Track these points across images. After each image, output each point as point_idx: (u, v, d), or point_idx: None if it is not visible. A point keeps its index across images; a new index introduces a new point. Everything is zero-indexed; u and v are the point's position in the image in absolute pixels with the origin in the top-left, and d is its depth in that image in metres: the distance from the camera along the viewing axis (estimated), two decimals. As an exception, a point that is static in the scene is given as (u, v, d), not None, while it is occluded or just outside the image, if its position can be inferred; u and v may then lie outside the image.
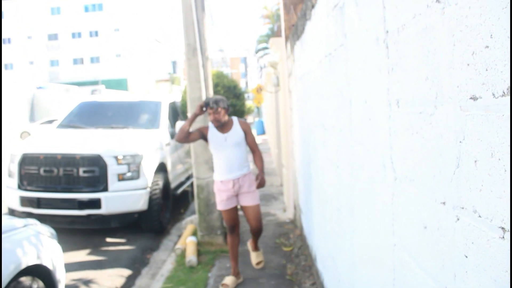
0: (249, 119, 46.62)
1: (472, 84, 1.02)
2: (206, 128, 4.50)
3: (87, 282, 5.00)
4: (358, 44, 2.11)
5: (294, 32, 5.17)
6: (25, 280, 3.15)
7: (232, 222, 4.55)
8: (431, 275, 1.33)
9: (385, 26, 1.66)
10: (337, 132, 2.75)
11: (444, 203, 1.20)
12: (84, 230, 6.75)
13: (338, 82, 2.66)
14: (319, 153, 3.65)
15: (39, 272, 3.34)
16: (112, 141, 6.68)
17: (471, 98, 1.03)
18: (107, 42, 60.41)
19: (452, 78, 1.12)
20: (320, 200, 3.73)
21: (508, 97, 0.88)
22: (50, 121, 29.23)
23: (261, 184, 4.29)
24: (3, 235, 3.10)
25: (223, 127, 4.41)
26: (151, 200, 6.55)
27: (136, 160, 6.41)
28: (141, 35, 60.27)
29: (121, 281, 5.12)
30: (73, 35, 62.28)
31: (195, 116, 4.45)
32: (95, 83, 46.97)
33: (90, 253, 5.98)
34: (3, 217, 3.75)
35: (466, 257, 1.10)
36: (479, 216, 1.02)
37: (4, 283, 2.87)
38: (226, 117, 4.41)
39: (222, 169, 4.39)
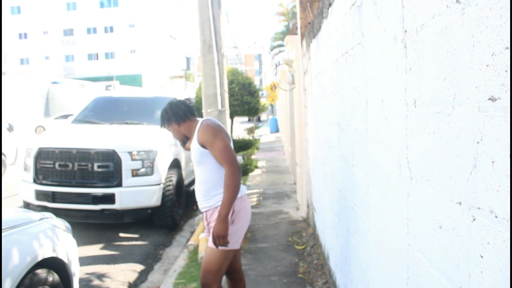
0: (263, 116, 46.68)
1: (491, 85, 1.03)
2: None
3: (100, 276, 5.06)
4: (376, 43, 2.11)
5: (310, 30, 5.17)
6: (41, 272, 3.19)
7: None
8: (445, 275, 1.34)
9: (403, 26, 1.66)
10: (353, 131, 2.75)
11: (460, 203, 1.20)
12: (98, 225, 6.82)
13: (354, 81, 2.66)
14: (334, 151, 3.65)
15: (54, 264, 3.39)
16: (126, 137, 6.74)
17: (489, 99, 1.03)
18: (122, 38, 60.86)
19: (470, 79, 1.12)
20: (334, 199, 3.73)
21: (528, 99, 0.88)
22: (65, 116, 29.50)
23: (214, 237, 2.90)
24: (19, 228, 3.15)
25: (186, 140, 3.39)
26: (164, 196, 6.60)
27: (150, 156, 6.46)
28: (156, 31, 60.59)
29: (134, 276, 5.17)
30: (88, 31, 62.85)
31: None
32: (109, 78, 47.40)
33: (103, 248, 6.05)
34: (19, 210, 3.81)
35: (482, 257, 1.10)
36: (496, 216, 1.03)
37: (20, 275, 2.92)
38: (184, 130, 3.27)
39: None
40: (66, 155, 6.40)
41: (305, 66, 6.18)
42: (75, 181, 6.37)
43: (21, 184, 6.78)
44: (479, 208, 1.11)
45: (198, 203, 3.20)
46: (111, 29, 62.31)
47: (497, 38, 0.99)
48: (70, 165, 6.37)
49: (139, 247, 6.13)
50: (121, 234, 6.66)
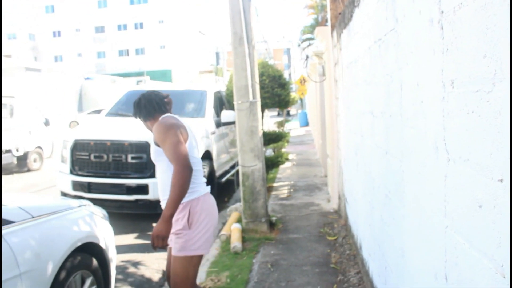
0: (292, 111, 46.57)
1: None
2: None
3: (135, 264, 5.18)
4: (411, 27, 2.10)
5: (341, 20, 5.14)
6: (81, 256, 3.30)
7: (167, 270, 3.22)
8: (486, 255, 1.33)
9: (440, 7, 1.64)
10: (387, 117, 2.73)
11: (501, 180, 1.19)
12: (132, 215, 6.96)
13: (388, 67, 2.65)
14: (367, 141, 3.63)
15: (93, 250, 3.48)
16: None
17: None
18: (151, 34, 61.54)
19: (512, 55, 1.11)
20: (367, 188, 3.72)
21: None
22: (97, 111, 30.04)
23: (153, 237, 2.76)
24: (60, 214, 3.25)
25: None
26: (196, 187, 6.67)
27: (182, 148, 6.54)
28: (185, 27, 61.07)
29: (168, 264, 5.26)
30: (119, 27, 63.82)
31: None
32: (140, 74, 48.03)
33: (138, 237, 6.17)
34: (59, 198, 3.92)
35: (524, 233, 1.10)
36: (539, 191, 1.02)
37: (62, 259, 3.01)
38: (150, 125, 3.14)
39: None
40: (101, 146, 6.54)
41: (335, 57, 6.15)
42: (109, 172, 6.51)
43: (58, 175, 6.97)
44: (520, 185, 1.10)
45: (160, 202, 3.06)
46: (141, 26, 63.08)
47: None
48: (105, 156, 6.51)
49: (172, 237, 6.23)
50: (154, 224, 6.77)
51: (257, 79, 5.96)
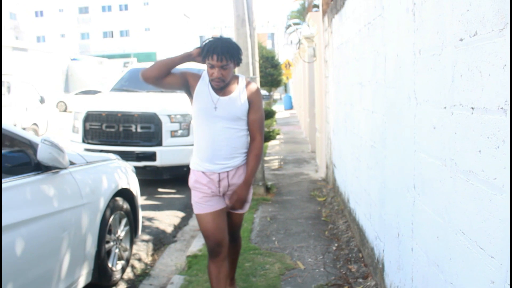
0: (276, 95, 47.27)
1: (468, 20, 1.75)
2: (196, 76, 2.95)
3: (150, 219, 5.88)
4: (393, 14, 2.84)
5: (333, 6, 5.86)
6: (119, 200, 4.00)
7: (215, 237, 2.96)
8: (444, 161, 2.08)
9: (413, 0, 2.39)
10: (373, 84, 3.48)
11: (445, 107, 1.94)
12: (140, 180, 7.62)
13: (375, 45, 3.39)
14: (355, 107, 4.39)
15: (127, 195, 4.19)
16: (165, 102, 7.51)
17: (460, 39, 1.76)
18: (136, 16, 61.42)
19: (451, 24, 1.85)
20: (355, 147, 4.48)
21: None
22: (85, 92, 30.18)
23: (238, 201, 2.93)
24: (104, 162, 3.94)
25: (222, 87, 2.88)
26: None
27: (186, 119, 7.24)
28: (170, 9, 61.08)
29: (177, 220, 5.99)
30: (103, 9, 63.52)
31: (187, 57, 2.91)
32: (124, 56, 48.21)
33: (147, 199, 6.87)
34: (98, 153, 4.59)
35: None
36: None
37: (109, 198, 3.71)
38: (230, 74, 2.84)
39: (204, 154, 2.91)
40: (112, 117, 7.20)
41: (326, 40, 6.89)
42: (120, 140, 7.18)
43: (70, 145, 7.60)
44: None
45: (211, 163, 2.89)
46: (126, 7, 62.94)
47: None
48: (116, 126, 7.18)
49: (178, 199, 6.95)
50: (160, 189, 7.50)
51: (257, 58, 6.66)
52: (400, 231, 2.77)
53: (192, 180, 3.00)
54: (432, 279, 2.18)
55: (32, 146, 2.98)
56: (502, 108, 1.42)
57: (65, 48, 56.61)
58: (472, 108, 1.66)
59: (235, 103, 2.85)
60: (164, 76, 2.86)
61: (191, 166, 3.00)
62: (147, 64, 10.49)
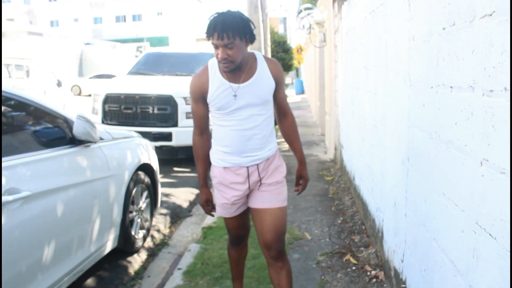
0: (287, 80, 47.39)
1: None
2: (201, 79, 2.50)
3: (167, 195, 6.25)
4: (393, 3, 3.12)
5: (342, -7, 6.11)
6: (141, 174, 4.35)
7: (241, 231, 2.88)
8: (430, 134, 2.38)
9: (410, -9, 2.67)
10: (376, 68, 3.77)
11: (432, 87, 2.23)
12: (156, 160, 8.02)
13: (378, 31, 3.68)
14: (361, 90, 4.68)
15: (147, 170, 4.53)
16: (180, 85, 7.83)
17: (447, 27, 2.05)
18: (149, 0, 61.52)
19: (434, 16, 2.14)
20: (360, 128, 4.78)
21: None
22: (99, 76, 30.62)
23: (303, 188, 2.85)
24: (128, 139, 4.29)
25: (235, 71, 2.43)
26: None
27: (201, 102, 7.55)
28: (182, -7, 61.12)
29: (192, 196, 6.35)
30: (116, -7, 63.63)
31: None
32: (137, 40, 48.50)
33: (164, 177, 7.23)
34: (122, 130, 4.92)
35: None
36: None
37: (131, 172, 4.06)
38: (245, 53, 2.42)
39: (229, 148, 2.53)
40: (130, 99, 7.55)
41: (336, 26, 7.14)
42: (137, 121, 7.55)
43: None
44: None
45: (239, 156, 2.53)
46: (139, -9, 63.02)
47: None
48: (134, 108, 7.53)
49: (192, 178, 7.30)
50: (175, 168, 7.87)
51: (268, 43, 6.96)
52: (397, 201, 3.08)
53: (215, 180, 2.63)
54: (420, 238, 2.50)
55: (67, 122, 3.32)
56: (471, 86, 1.72)
57: (78, 32, 57.12)
58: (451, 87, 1.96)
59: (261, 86, 2.47)
60: (204, 128, 2.67)
61: (212, 162, 2.63)
62: (161, 49, 10.89)
